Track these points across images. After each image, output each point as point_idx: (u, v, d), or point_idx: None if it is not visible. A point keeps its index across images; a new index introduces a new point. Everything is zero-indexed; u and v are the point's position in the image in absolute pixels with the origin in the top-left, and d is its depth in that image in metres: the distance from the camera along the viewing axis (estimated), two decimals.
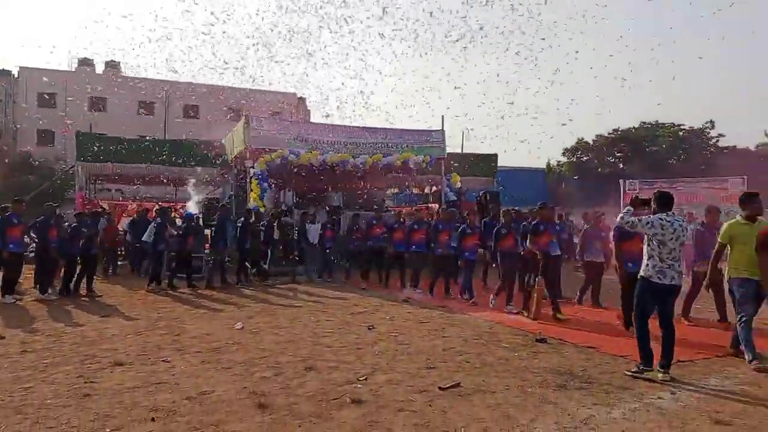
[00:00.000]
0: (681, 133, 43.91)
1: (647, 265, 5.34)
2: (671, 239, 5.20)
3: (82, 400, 4.40)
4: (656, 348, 5.27)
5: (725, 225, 6.17)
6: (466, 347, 6.37)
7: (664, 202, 5.40)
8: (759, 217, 5.98)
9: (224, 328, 7.34)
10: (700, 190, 21.17)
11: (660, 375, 5.12)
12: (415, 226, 11.26)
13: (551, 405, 4.41)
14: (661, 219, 5.28)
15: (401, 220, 12.51)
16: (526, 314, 8.34)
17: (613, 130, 45.51)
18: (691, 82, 74.08)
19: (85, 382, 4.87)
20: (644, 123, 45.21)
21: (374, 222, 12.62)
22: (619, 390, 4.85)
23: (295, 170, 16.10)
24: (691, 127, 43.36)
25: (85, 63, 46.40)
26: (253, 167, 15.55)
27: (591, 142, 46.35)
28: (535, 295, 8.13)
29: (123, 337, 6.76)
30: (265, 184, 15.18)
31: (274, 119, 18.22)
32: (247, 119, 15.93)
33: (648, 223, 5.31)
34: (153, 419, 4.00)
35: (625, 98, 73.15)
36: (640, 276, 5.42)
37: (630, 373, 5.27)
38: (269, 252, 13.10)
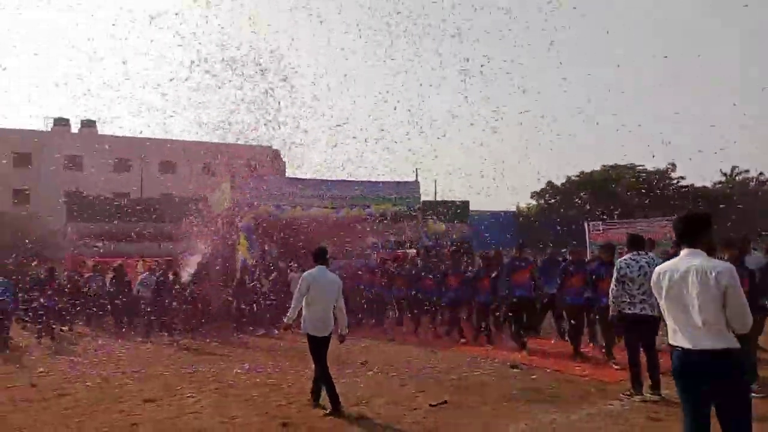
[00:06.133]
0: (642, 174, 46.37)
1: (623, 301, 6.10)
2: (639, 275, 6.04)
3: (131, 429, 5.22)
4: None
5: None
6: (450, 375, 7.32)
7: (632, 243, 6.38)
8: None
9: (231, 370, 8.12)
10: (657, 229, 22.67)
11: (649, 395, 5.82)
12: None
13: (522, 414, 5.41)
14: (625, 259, 6.21)
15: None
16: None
17: (579, 173, 47.78)
18: (652, 124, 77.85)
19: (127, 416, 5.68)
20: (605, 166, 47.49)
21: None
22: (578, 400, 5.88)
23: (281, 224, 17.06)
24: (656, 168, 45.65)
25: (60, 122, 47.10)
26: (240, 222, 16.49)
27: (560, 185, 48.48)
28: None
29: (142, 379, 7.53)
30: (253, 237, 16.09)
31: (257, 176, 19.27)
32: (233, 178, 16.99)
33: (618, 267, 6.21)
34: None
35: (590, 142, 76.46)
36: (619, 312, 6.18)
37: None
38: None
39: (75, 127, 47.38)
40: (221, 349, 10.39)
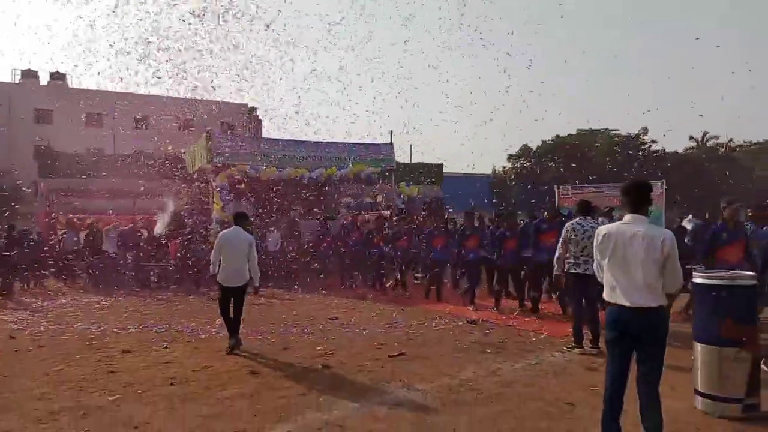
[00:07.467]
0: (615, 139, 47.05)
1: (568, 261, 6.65)
2: (583, 239, 6.53)
3: (110, 376, 5.61)
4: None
5: None
6: (411, 329, 7.82)
7: (580, 209, 6.91)
8: None
9: (206, 324, 8.50)
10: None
11: (589, 348, 6.32)
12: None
13: (472, 363, 5.92)
14: (572, 223, 6.74)
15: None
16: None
17: (554, 136, 48.28)
18: (627, 89, 78.30)
19: (106, 365, 6.05)
20: (580, 130, 48.00)
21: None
22: (525, 352, 6.42)
23: (256, 184, 17.26)
24: (629, 133, 46.30)
25: (29, 75, 45.77)
26: (215, 181, 16.64)
27: (535, 149, 48.99)
28: None
29: (120, 333, 7.88)
30: (228, 197, 16.29)
31: (234, 135, 19.36)
32: (209, 135, 17.01)
33: (565, 230, 6.75)
34: (171, 384, 5.26)
35: (566, 106, 76.78)
36: (565, 271, 6.74)
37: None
38: None
39: (44, 80, 46.07)
40: (196, 303, 10.76)
